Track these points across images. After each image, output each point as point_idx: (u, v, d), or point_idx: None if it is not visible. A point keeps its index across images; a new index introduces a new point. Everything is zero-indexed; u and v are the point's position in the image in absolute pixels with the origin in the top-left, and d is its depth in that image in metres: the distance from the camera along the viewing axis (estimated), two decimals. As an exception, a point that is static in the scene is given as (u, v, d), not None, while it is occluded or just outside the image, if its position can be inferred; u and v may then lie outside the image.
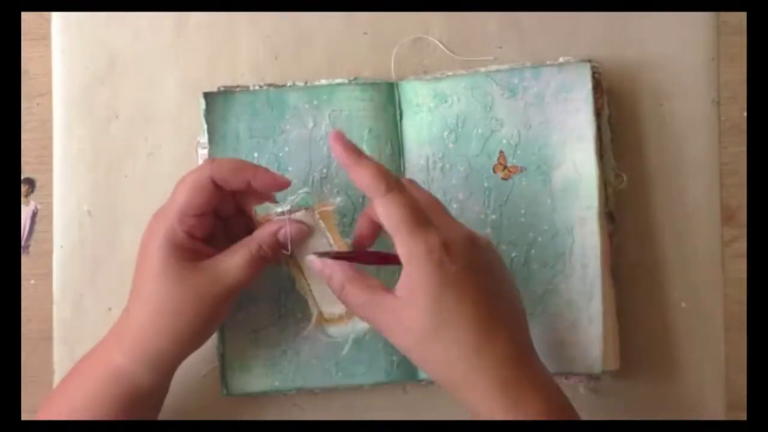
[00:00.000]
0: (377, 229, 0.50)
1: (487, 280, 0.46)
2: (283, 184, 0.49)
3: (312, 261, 0.48)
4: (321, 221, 0.50)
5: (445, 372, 0.45)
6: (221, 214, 0.50)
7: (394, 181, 0.46)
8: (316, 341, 0.54)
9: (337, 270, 0.47)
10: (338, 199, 0.51)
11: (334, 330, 0.51)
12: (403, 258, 0.45)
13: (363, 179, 0.46)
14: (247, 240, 0.49)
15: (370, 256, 0.50)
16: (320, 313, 0.51)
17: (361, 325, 0.51)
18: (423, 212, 0.45)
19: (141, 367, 0.48)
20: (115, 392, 0.47)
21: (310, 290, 0.50)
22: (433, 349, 0.44)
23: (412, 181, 0.51)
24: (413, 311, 0.44)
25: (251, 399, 0.56)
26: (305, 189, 0.50)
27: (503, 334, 0.45)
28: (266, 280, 0.54)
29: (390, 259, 0.47)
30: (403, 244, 0.45)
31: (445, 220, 0.47)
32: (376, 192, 0.45)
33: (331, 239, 0.50)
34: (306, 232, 0.49)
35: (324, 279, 0.48)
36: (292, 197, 0.49)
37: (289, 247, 0.49)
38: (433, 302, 0.44)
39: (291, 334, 0.54)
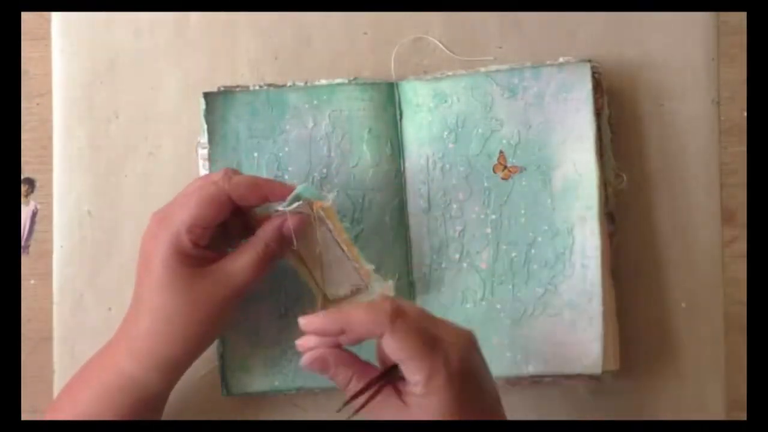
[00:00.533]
0: (337, 335, 0.45)
1: (483, 377, 0.45)
2: (287, 194, 0.49)
3: (304, 363, 0.45)
4: (321, 211, 0.50)
5: None
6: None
7: (390, 309, 0.43)
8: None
9: (339, 373, 0.45)
10: (331, 195, 0.50)
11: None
12: (420, 384, 0.43)
13: (361, 323, 0.43)
14: (252, 240, 0.49)
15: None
16: (324, 296, 0.51)
17: (367, 299, 0.51)
18: (429, 332, 0.43)
19: (153, 373, 0.48)
20: (126, 399, 0.48)
21: (313, 277, 0.51)
22: None
23: (394, 300, 0.46)
24: (430, 413, 0.43)
25: (251, 399, 0.56)
26: (303, 184, 0.50)
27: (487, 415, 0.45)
28: (266, 280, 0.53)
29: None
30: (419, 370, 0.43)
31: (446, 325, 0.45)
32: (380, 328, 0.43)
33: (330, 225, 0.50)
34: (306, 220, 0.49)
35: (324, 367, 0.45)
36: (292, 193, 0.49)
37: (294, 242, 0.49)
38: (458, 407, 0.43)
39: (291, 334, 0.54)
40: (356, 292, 0.52)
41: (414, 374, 0.43)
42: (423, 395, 0.43)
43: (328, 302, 0.52)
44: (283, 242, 0.49)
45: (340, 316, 0.44)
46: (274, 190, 0.48)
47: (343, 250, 0.51)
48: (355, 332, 0.44)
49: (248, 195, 0.48)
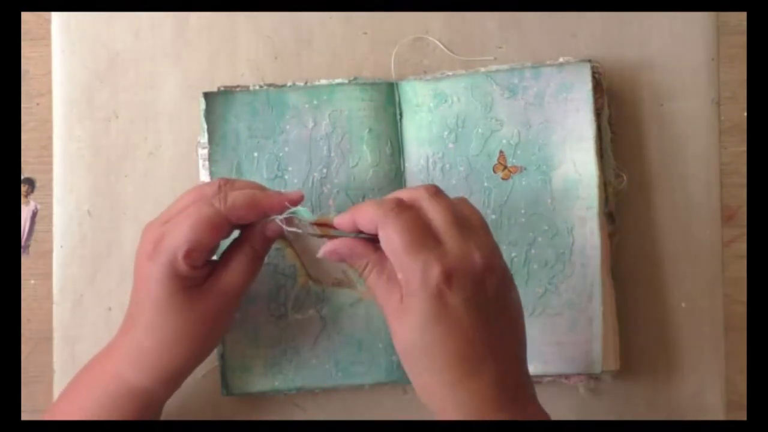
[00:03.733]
0: (355, 229, 0.46)
1: (487, 316, 0.43)
2: (297, 200, 0.48)
3: (329, 249, 0.46)
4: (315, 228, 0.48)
5: (421, 392, 0.44)
6: None
7: (393, 204, 0.43)
8: (316, 341, 0.54)
9: (358, 248, 0.45)
10: (332, 215, 0.49)
11: (317, 287, 0.52)
12: (401, 281, 0.43)
13: (366, 212, 0.44)
14: (240, 246, 0.48)
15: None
16: (307, 274, 0.51)
17: (353, 297, 0.52)
18: (425, 234, 0.43)
19: (159, 384, 0.48)
20: (130, 406, 0.48)
21: (300, 260, 0.51)
22: (414, 369, 0.44)
23: (434, 190, 0.45)
24: (405, 327, 0.43)
25: (251, 399, 0.56)
26: (303, 209, 0.48)
27: (487, 374, 0.43)
28: (266, 280, 0.54)
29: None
30: (400, 268, 0.43)
31: (460, 240, 0.43)
32: (377, 218, 0.43)
33: (319, 231, 0.49)
34: (291, 222, 0.48)
35: (341, 257, 0.46)
36: (290, 210, 0.48)
37: (286, 232, 0.48)
38: (421, 329, 0.42)
39: (291, 334, 0.54)
40: (339, 283, 0.52)
41: (396, 271, 0.43)
42: (405, 295, 0.43)
43: (311, 279, 0.52)
44: (269, 244, 0.49)
45: (351, 209, 0.45)
46: (273, 206, 0.47)
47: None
48: (362, 222, 0.44)
49: (247, 215, 0.47)
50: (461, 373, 0.43)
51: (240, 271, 0.48)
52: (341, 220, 0.46)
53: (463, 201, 0.46)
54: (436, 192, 0.45)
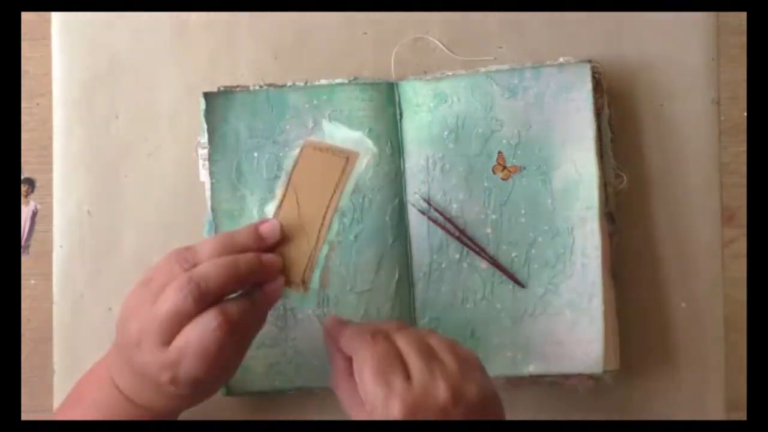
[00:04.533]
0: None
1: (477, 403, 0.43)
2: (270, 231, 0.50)
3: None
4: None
5: None
6: None
7: (369, 333, 0.45)
8: (315, 341, 0.54)
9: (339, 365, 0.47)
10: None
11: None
12: (367, 411, 0.43)
13: (344, 339, 0.46)
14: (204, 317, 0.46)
15: None
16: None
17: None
18: (391, 365, 0.43)
19: (160, 397, 0.47)
20: (127, 412, 0.48)
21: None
22: None
23: (402, 325, 0.48)
24: None
25: (251, 399, 0.56)
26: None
27: None
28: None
29: None
30: (366, 400, 0.43)
31: (426, 372, 0.43)
32: (351, 350, 0.45)
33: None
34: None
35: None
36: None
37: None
38: None
39: (291, 334, 0.54)
40: None
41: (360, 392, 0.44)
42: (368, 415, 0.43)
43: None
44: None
45: (336, 330, 0.48)
46: (251, 263, 0.47)
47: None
48: (341, 344, 0.47)
49: (222, 293, 0.46)
50: None
51: (193, 346, 0.45)
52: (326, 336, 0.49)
53: (432, 332, 0.47)
54: (403, 325, 0.47)
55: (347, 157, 0.52)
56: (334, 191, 0.52)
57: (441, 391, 0.42)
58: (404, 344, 0.44)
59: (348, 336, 0.46)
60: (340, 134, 0.53)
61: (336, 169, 0.53)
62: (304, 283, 0.53)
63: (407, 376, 0.43)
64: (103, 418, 0.47)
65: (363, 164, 0.53)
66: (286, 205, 0.53)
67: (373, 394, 0.42)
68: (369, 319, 0.54)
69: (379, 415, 0.42)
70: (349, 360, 0.46)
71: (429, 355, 0.44)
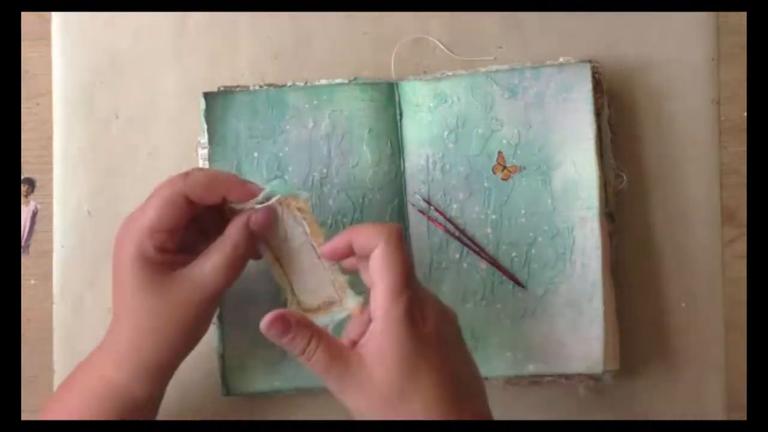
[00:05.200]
0: (350, 254, 0.47)
1: (454, 348, 0.45)
2: (250, 195, 0.48)
3: (265, 323, 0.45)
4: (297, 211, 0.48)
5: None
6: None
7: (395, 231, 0.44)
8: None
9: (299, 334, 0.45)
10: (305, 194, 0.49)
11: (313, 319, 0.51)
12: (377, 311, 0.43)
13: (366, 232, 0.45)
14: (220, 242, 0.47)
15: None
16: (298, 303, 0.50)
17: (340, 316, 0.50)
18: (412, 272, 0.44)
19: (138, 380, 0.47)
20: (113, 407, 0.47)
21: (287, 278, 0.50)
22: (398, 411, 0.42)
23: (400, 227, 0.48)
24: (381, 369, 0.42)
25: (251, 399, 0.56)
26: (276, 180, 0.50)
27: (469, 404, 0.44)
28: (266, 280, 0.53)
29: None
30: (384, 298, 0.43)
31: (417, 282, 0.45)
32: (377, 240, 0.44)
33: (307, 228, 0.49)
34: (271, 214, 0.48)
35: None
36: (265, 188, 0.48)
37: (264, 241, 0.48)
38: (403, 361, 0.42)
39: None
40: (329, 304, 0.51)
41: (378, 297, 0.43)
42: (378, 332, 0.43)
43: (302, 310, 0.51)
44: (252, 240, 0.48)
45: (348, 230, 0.46)
46: (231, 189, 0.47)
47: (319, 258, 0.50)
48: (359, 242, 0.45)
49: (204, 193, 0.46)
50: (447, 406, 0.42)
51: (215, 265, 0.46)
52: (335, 246, 0.47)
53: None
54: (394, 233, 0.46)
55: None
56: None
57: (436, 299, 0.46)
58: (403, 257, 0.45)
59: (367, 231, 0.45)
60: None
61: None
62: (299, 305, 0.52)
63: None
64: (85, 408, 0.47)
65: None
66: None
67: (398, 296, 0.43)
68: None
69: (393, 319, 0.42)
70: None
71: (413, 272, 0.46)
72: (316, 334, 0.44)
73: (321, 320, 0.50)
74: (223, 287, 0.47)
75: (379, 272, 0.43)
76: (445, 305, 0.46)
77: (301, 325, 0.44)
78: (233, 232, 0.47)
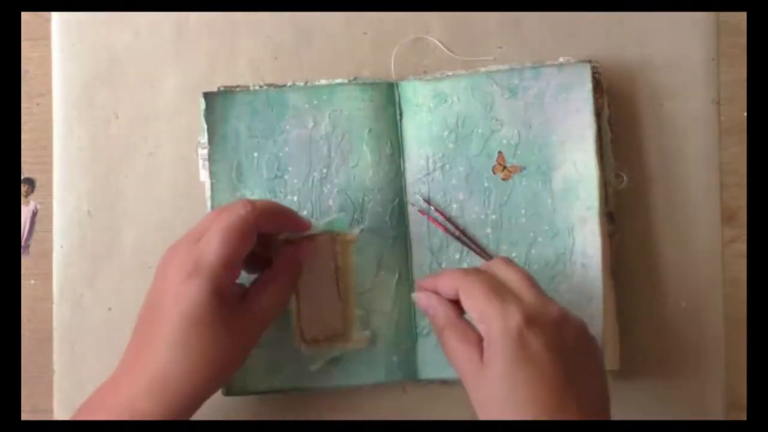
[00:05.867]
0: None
1: (568, 364, 0.44)
2: (305, 227, 0.50)
3: (418, 296, 0.49)
4: (339, 246, 0.52)
5: None
6: None
7: (472, 269, 0.47)
8: (316, 341, 0.54)
9: (440, 311, 0.47)
10: (356, 230, 0.53)
11: (308, 350, 0.53)
12: (482, 331, 0.45)
13: (445, 279, 0.47)
14: (274, 273, 0.49)
15: None
16: (302, 333, 0.52)
17: (336, 353, 0.53)
18: (501, 286, 0.45)
19: (175, 416, 0.46)
20: None
21: (297, 305, 0.52)
22: (498, 415, 0.44)
23: (506, 259, 0.49)
24: (487, 381, 0.44)
25: (251, 399, 0.56)
26: (338, 215, 0.53)
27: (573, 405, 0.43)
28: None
29: None
30: (481, 318, 0.44)
31: (535, 294, 0.46)
32: (457, 281, 0.46)
33: (341, 264, 0.52)
34: (318, 248, 0.51)
35: (424, 313, 0.49)
36: (326, 219, 0.52)
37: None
38: (505, 376, 0.43)
39: (291, 334, 0.54)
40: (331, 338, 0.53)
41: (477, 324, 0.45)
42: (486, 344, 0.44)
43: (303, 341, 0.53)
44: (299, 268, 0.50)
45: (432, 277, 0.49)
46: (291, 222, 0.49)
47: (338, 291, 0.51)
48: (443, 288, 0.47)
49: (270, 226, 0.48)
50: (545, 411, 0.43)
51: (277, 294, 0.48)
52: (421, 288, 0.49)
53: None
54: (509, 260, 0.49)
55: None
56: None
57: (554, 308, 0.45)
58: (511, 275, 0.47)
59: (448, 274, 0.47)
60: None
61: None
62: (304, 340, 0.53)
63: (518, 298, 0.45)
64: None
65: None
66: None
67: (488, 309, 0.44)
68: (370, 318, 0.54)
69: (496, 331, 0.43)
70: (452, 303, 0.47)
71: (536, 286, 0.46)
72: (451, 322, 0.47)
73: (317, 352, 0.52)
74: (275, 318, 0.49)
75: (465, 301, 0.46)
76: (569, 315, 0.45)
77: (441, 307, 0.48)
78: (287, 263, 0.49)
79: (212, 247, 0.45)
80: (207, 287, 0.44)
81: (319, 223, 0.52)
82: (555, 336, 0.44)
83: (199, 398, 0.47)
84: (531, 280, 0.47)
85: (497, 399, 0.43)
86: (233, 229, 0.45)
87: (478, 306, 0.44)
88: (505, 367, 0.43)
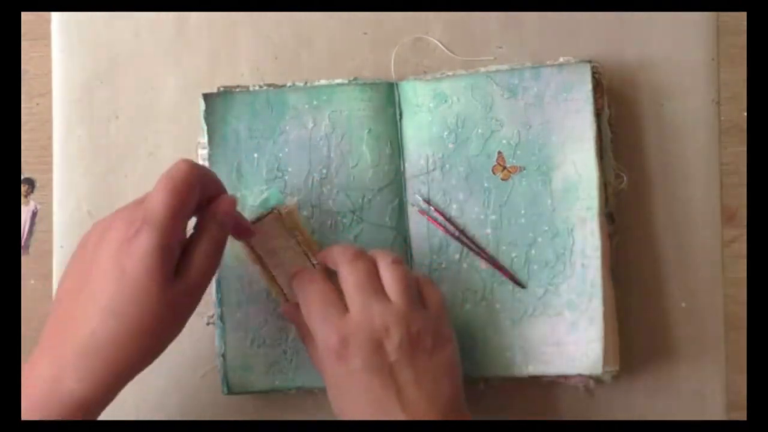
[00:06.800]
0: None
1: (393, 378, 0.46)
2: (229, 200, 0.47)
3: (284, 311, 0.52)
4: (287, 219, 0.51)
5: None
6: None
7: (307, 274, 0.50)
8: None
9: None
10: (295, 199, 0.53)
11: None
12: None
13: (332, 254, 0.50)
14: (199, 233, 0.45)
15: None
16: (285, 297, 0.52)
17: None
18: (332, 303, 0.47)
19: (102, 392, 0.43)
20: (59, 413, 0.44)
21: (276, 283, 0.51)
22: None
23: (357, 257, 0.49)
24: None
25: (251, 399, 0.56)
26: (272, 187, 0.53)
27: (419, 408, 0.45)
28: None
29: None
30: (312, 328, 0.48)
31: (363, 306, 0.47)
32: (339, 260, 0.49)
33: (299, 237, 0.51)
34: (235, 203, 0.47)
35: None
36: (261, 198, 0.52)
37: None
38: (333, 395, 0.48)
39: (291, 334, 0.54)
40: None
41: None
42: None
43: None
44: (226, 230, 0.46)
45: (324, 252, 0.51)
46: (219, 187, 0.47)
47: (311, 263, 0.51)
48: (329, 262, 0.50)
49: (209, 180, 0.46)
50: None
51: (203, 262, 0.44)
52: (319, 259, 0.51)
53: (399, 261, 0.50)
54: (355, 255, 0.49)
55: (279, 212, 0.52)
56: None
57: (376, 324, 0.46)
58: (348, 276, 0.48)
59: (335, 252, 0.50)
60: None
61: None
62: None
63: (345, 310, 0.47)
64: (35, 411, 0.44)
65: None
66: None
67: (315, 333, 0.48)
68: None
69: (322, 354, 0.47)
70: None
71: (371, 290, 0.47)
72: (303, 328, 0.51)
73: None
74: (208, 282, 0.45)
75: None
76: (386, 323, 0.46)
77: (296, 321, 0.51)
78: (209, 217, 0.46)
79: (159, 198, 0.43)
80: (155, 240, 0.42)
81: (255, 202, 0.53)
82: (373, 352, 0.46)
83: (129, 372, 0.44)
84: (364, 286, 0.47)
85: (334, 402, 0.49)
86: (178, 179, 0.43)
87: (311, 324, 0.49)
88: (332, 386, 0.48)
